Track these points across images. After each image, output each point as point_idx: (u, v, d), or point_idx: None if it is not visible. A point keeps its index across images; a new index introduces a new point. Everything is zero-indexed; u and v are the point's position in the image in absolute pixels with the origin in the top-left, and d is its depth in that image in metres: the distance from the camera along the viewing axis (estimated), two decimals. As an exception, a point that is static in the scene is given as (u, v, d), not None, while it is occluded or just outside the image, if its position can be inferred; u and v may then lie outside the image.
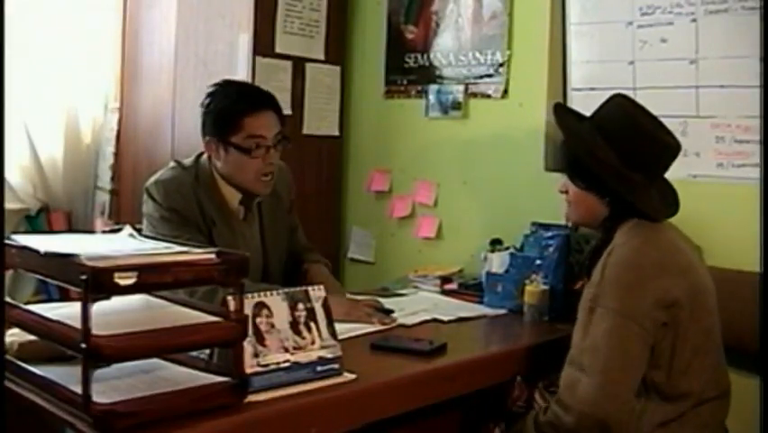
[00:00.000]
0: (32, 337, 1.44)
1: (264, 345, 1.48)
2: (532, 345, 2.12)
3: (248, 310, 1.44)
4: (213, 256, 1.40)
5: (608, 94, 2.02)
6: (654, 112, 1.94)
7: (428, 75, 3.05)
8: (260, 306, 1.50)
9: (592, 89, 2.58)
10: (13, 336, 1.48)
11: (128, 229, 1.64)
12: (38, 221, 3.28)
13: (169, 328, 1.33)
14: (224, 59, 3.01)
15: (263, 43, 2.96)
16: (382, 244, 3.21)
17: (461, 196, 2.98)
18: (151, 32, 3.33)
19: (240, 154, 2.14)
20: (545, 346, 2.11)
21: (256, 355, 1.47)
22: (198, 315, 1.44)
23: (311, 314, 1.57)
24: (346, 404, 1.58)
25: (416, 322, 2.19)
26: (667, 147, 1.91)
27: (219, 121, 2.15)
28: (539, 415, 1.80)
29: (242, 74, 2.91)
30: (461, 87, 2.95)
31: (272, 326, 1.51)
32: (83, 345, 1.23)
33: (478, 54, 2.90)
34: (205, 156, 2.24)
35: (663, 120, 1.95)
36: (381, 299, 2.30)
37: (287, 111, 2.63)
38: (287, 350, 1.52)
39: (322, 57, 3.17)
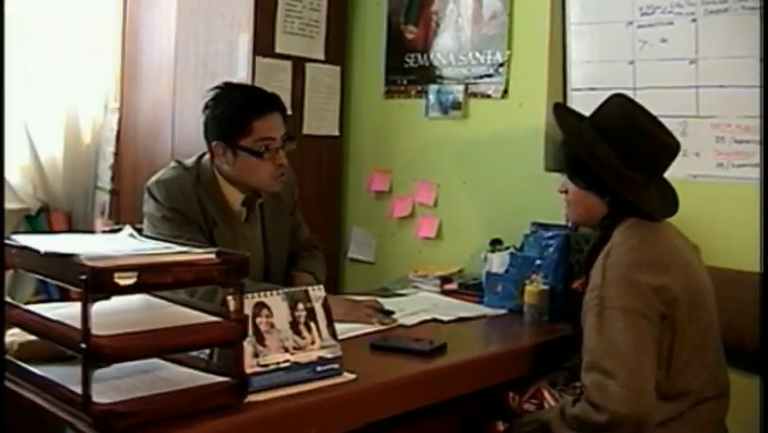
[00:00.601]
0: (32, 337, 1.44)
1: (264, 345, 1.48)
2: (532, 345, 2.12)
3: (248, 310, 1.44)
4: (213, 256, 1.40)
5: (608, 94, 2.02)
6: (654, 112, 1.94)
7: (428, 75, 3.05)
8: (260, 306, 1.50)
9: (592, 89, 2.58)
10: (13, 336, 1.48)
11: (128, 229, 1.64)
12: (38, 221, 3.28)
13: (169, 328, 1.34)
14: (224, 59, 3.01)
15: (263, 43, 2.96)
16: (382, 244, 3.21)
17: (461, 196, 2.98)
18: (151, 32, 3.33)
19: (251, 157, 2.14)
20: (545, 346, 2.11)
21: (256, 355, 1.47)
22: (198, 315, 1.44)
23: (311, 314, 1.57)
24: (346, 404, 1.58)
25: (416, 322, 2.19)
26: (667, 147, 1.92)
27: (227, 125, 2.15)
28: (566, 407, 1.77)
29: (242, 74, 2.91)
30: (461, 87, 2.95)
31: (272, 326, 1.51)
32: (83, 345, 1.23)
33: (478, 54, 2.90)
34: (206, 157, 2.24)
35: (663, 120, 1.95)
36: (381, 300, 2.30)
37: (286, 111, 2.62)
38: (287, 350, 1.52)
39: (322, 57, 3.17)
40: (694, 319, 1.80)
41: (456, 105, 2.96)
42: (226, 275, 1.39)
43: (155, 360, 1.47)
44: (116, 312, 1.37)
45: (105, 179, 3.44)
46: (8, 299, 1.46)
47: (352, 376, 1.61)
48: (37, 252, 1.35)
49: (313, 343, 1.56)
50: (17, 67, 3.04)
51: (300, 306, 1.56)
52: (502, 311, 2.40)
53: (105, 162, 3.44)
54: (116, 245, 1.46)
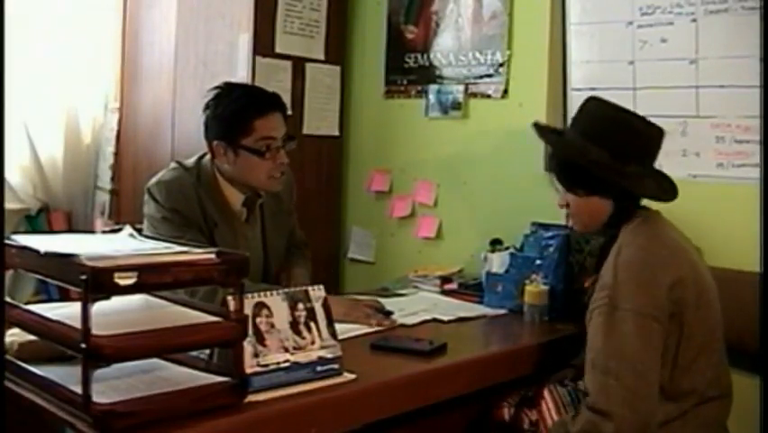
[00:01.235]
0: (32, 337, 1.44)
1: (264, 345, 1.48)
2: (532, 345, 2.12)
3: (248, 310, 1.44)
4: (213, 256, 1.40)
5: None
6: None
7: (428, 75, 3.05)
8: (260, 306, 1.50)
9: (592, 89, 2.58)
10: (13, 336, 1.48)
11: (128, 229, 1.64)
12: (38, 221, 3.28)
13: (169, 328, 1.33)
14: (224, 59, 3.01)
15: (263, 43, 2.96)
16: (382, 244, 3.21)
17: (461, 196, 2.98)
18: (151, 32, 3.33)
19: (252, 156, 2.14)
20: (545, 346, 2.11)
21: (256, 355, 1.47)
22: (198, 315, 1.44)
23: (311, 314, 1.57)
24: (346, 404, 1.58)
25: (416, 322, 2.19)
26: (651, 135, 1.94)
27: (228, 125, 2.15)
28: (568, 426, 1.75)
29: (242, 74, 2.91)
30: (461, 87, 2.95)
31: (272, 326, 1.51)
32: (83, 345, 1.23)
33: (478, 54, 2.90)
34: (207, 158, 2.24)
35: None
36: (381, 300, 2.29)
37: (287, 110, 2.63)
38: (287, 350, 1.52)
39: (322, 57, 3.17)
40: (701, 319, 1.81)
41: (456, 105, 2.96)
42: (226, 275, 1.39)
43: (155, 360, 1.47)
44: (116, 312, 1.37)
45: (105, 179, 3.44)
46: (8, 299, 1.46)
47: (352, 376, 1.61)
48: (37, 252, 1.35)
49: (313, 343, 1.56)
50: (17, 67, 3.04)
51: (300, 306, 1.56)
52: (502, 311, 2.40)
53: (105, 162, 3.44)
54: (116, 245, 1.46)
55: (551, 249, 2.38)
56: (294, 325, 1.54)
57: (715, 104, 2.38)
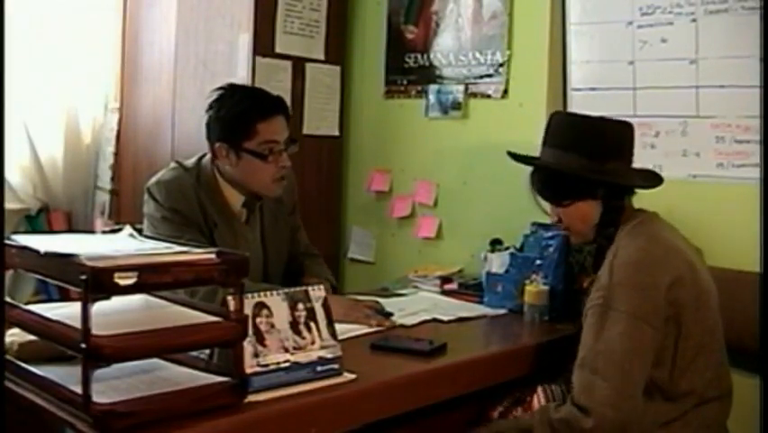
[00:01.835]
0: (32, 337, 1.44)
1: (264, 345, 1.48)
2: (532, 345, 2.12)
3: (248, 310, 1.44)
4: (213, 256, 1.40)
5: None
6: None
7: (428, 75, 3.05)
8: (260, 306, 1.50)
9: (592, 89, 2.58)
10: (13, 336, 1.48)
11: (128, 229, 1.64)
12: (38, 221, 3.28)
13: (169, 328, 1.33)
14: (224, 59, 3.01)
15: (263, 43, 2.96)
16: (382, 244, 3.21)
17: (461, 196, 2.98)
18: (151, 32, 3.33)
19: (255, 159, 2.14)
20: (545, 346, 2.11)
21: (256, 355, 1.47)
22: (198, 315, 1.44)
23: (311, 314, 1.57)
24: (346, 404, 1.58)
25: (416, 322, 2.19)
26: (621, 132, 1.97)
27: (231, 127, 2.14)
28: (550, 412, 1.78)
29: (242, 74, 2.91)
30: (461, 87, 2.95)
31: (272, 326, 1.51)
32: (83, 345, 1.23)
33: (478, 54, 2.90)
34: (206, 158, 2.24)
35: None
36: (381, 300, 2.30)
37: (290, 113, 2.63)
38: (287, 350, 1.52)
39: (322, 57, 3.17)
40: (699, 319, 1.81)
41: (456, 106, 2.96)
42: (226, 275, 1.39)
43: (155, 360, 1.47)
44: (116, 312, 1.37)
45: (105, 179, 3.44)
46: (8, 299, 1.46)
47: (352, 376, 1.61)
48: (37, 252, 1.35)
49: (313, 343, 1.56)
50: (17, 67, 3.04)
51: (300, 306, 1.56)
52: (502, 311, 2.40)
53: (105, 162, 3.44)
54: (116, 245, 1.46)
55: (551, 249, 2.38)
56: (294, 325, 1.54)
57: (715, 104, 2.38)
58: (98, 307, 1.24)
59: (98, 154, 3.47)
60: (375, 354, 1.85)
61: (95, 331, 1.23)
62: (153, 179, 2.21)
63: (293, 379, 1.52)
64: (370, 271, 3.22)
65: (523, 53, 2.80)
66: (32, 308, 1.47)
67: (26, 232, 3.07)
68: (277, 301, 1.53)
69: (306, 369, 1.54)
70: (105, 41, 3.42)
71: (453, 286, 2.67)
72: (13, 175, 3.18)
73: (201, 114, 2.23)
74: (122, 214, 3.35)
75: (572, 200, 1.97)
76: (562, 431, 1.72)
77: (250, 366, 1.45)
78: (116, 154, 3.42)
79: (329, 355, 1.58)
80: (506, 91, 2.84)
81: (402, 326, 2.14)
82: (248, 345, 1.44)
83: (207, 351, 1.51)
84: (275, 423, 1.45)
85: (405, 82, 3.13)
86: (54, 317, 1.36)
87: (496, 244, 2.57)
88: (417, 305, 2.39)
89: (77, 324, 1.24)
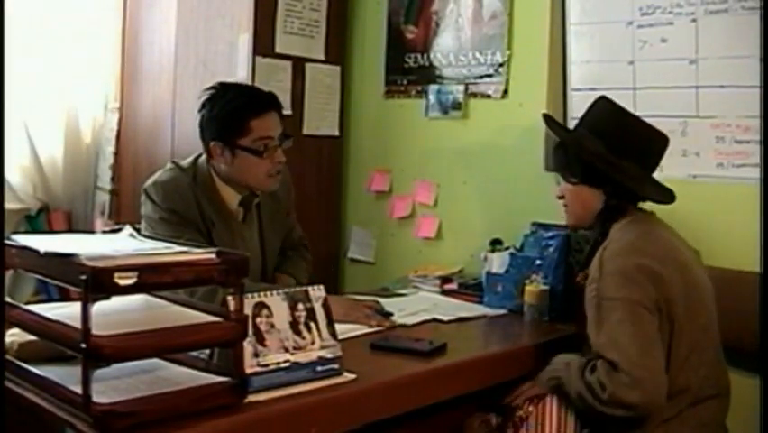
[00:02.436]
0: (32, 337, 1.44)
1: (264, 345, 1.48)
2: (532, 345, 2.12)
3: (248, 310, 1.44)
4: (213, 256, 1.40)
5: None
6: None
7: (428, 75, 3.05)
8: (260, 306, 1.50)
9: (592, 89, 2.58)
10: (13, 336, 1.48)
11: (128, 229, 1.64)
12: (38, 221, 3.28)
13: (169, 328, 1.33)
14: (224, 59, 3.01)
15: (263, 43, 2.96)
16: (382, 244, 3.21)
17: (461, 196, 2.98)
18: (151, 32, 3.33)
19: (250, 156, 2.14)
20: (545, 346, 2.11)
21: (256, 355, 1.47)
22: (198, 315, 1.44)
23: (311, 314, 1.57)
24: (346, 404, 1.58)
25: (416, 322, 2.19)
26: (651, 138, 1.98)
27: (224, 125, 2.14)
28: (585, 371, 1.77)
29: (242, 74, 2.91)
30: (461, 87, 2.95)
31: (272, 326, 1.51)
32: (83, 345, 1.23)
33: (478, 54, 2.90)
34: (203, 158, 2.24)
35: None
36: (381, 300, 2.30)
37: (287, 111, 2.63)
38: (287, 350, 1.52)
39: (322, 57, 3.17)
40: (692, 316, 1.82)
41: (456, 106, 2.96)
42: (226, 275, 1.39)
43: (155, 360, 1.47)
44: (116, 312, 1.37)
45: (105, 179, 3.44)
46: (8, 299, 1.46)
47: (352, 376, 1.61)
48: (37, 252, 1.35)
49: (313, 343, 1.56)
50: (17, 67, 3.04)
51: (300, 306, 1.56)
52: (502, 311, 2.40)
53: (105, 162, 3.44)
54: (116, 245, 1.46)
55: (551, 249, 2.38)
56: (294, 325, 1.54)
57: (715, 104, 2.38)
58: (98, 307, 1.24)
59: (98, 154, 3.47)
60: (375, 354, 1.86)
61: (95, 331, 1.23)
62: (150, 181, 2.21)
63: (293, 379, 1.52)
64: (370, 272, 3.22)
65: (523, 53, 2.80)
66: (32, 308, 1.47)
67: (26, 232, 3.07)
68: (277, 301, 1.53)
69: (306, 369, 1.54)
70: (105, 41, 3.42)
71: (453, 286, 2.67)
72: (13, 175, 3.18)
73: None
74: (122, 214, 3.35)
75: (579, 181, 1.99)
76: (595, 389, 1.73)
77: (250, 366, 1.45)
78: (116, 154, 3.42)
79: (329, 355, 1.58)
80: (506, 91, 2.84)
81: (402, 326, 2.14)
82: (248, 345, 1.45)
83: (207, 351, 1.51)
84: (275, 423, 1.45)
85: (405, 82, 3.13)
86: (54, 317, 1.36)
87: (496, 244, 2.57)
88: (417, 305, 2.39)
89: (77, 324, 1.24)
